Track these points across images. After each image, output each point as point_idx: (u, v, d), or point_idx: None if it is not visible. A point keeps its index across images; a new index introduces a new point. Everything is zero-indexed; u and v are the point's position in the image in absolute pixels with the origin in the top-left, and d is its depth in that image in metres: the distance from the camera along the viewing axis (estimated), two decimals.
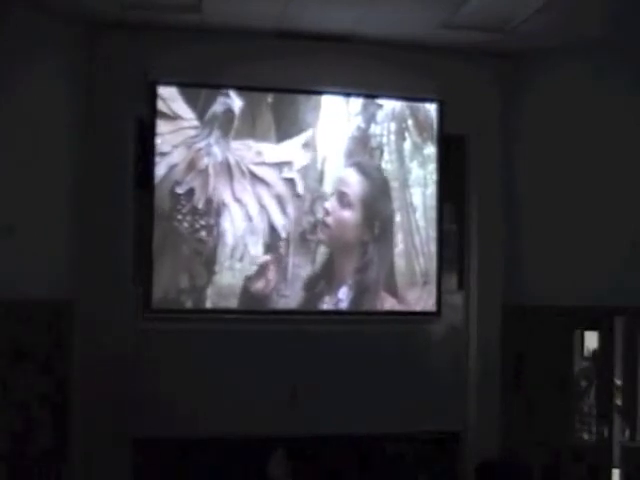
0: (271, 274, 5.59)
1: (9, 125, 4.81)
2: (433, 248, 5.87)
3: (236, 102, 5.58)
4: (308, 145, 5.68)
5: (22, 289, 4.78)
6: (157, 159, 5.44)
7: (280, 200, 5.64)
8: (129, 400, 5.30)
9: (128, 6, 4.98)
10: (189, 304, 5.49)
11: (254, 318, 5.59)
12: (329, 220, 5.71)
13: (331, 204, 5.72)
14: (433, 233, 5.88)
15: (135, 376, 5.34)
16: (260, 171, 5.61)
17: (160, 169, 5.45)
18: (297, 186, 5.66)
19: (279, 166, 5.65)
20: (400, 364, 5.79)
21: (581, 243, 5.51)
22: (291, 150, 5.66)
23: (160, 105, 5.45)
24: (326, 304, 5.70)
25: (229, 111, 5.57)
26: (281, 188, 5.65)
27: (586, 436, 5.60)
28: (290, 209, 5.65)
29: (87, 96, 5.36)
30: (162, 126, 5.46)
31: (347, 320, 5.76)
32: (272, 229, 5.61)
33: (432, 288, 5.86)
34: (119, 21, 5.26)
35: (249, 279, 5.54)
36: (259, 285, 5.57)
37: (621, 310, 5.36)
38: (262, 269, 5.57)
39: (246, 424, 5.46)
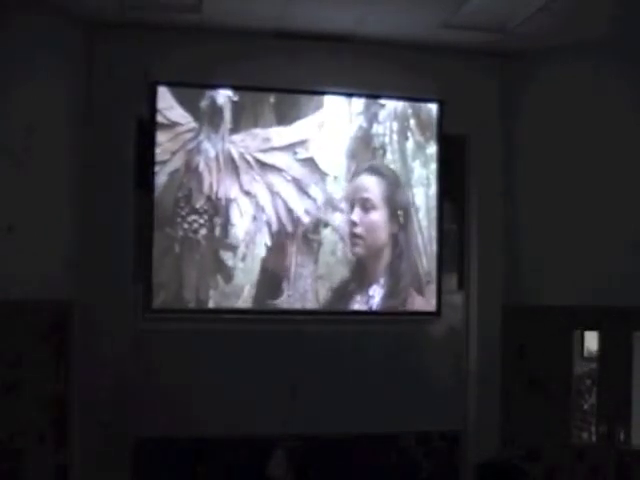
0: (289, 261, 5.60)
1: (9, 125, 4.81)
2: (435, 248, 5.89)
3: (233, 97, 5.55)
4: (323, 125, 5.67)
5: (22, 289, 4.78)
6: (157, 168, 5.44)
7: (298, 183, 5.62)
8: (129, 400, 5.31)
9: (128, 6, 4.99)
10: (192, 304, 5.49)
11: (254, 318, 5.59)
12: (358, 230, 5.71)
13: (356, 214, 5.72)
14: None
15: (135, 376, 5.34)
16: (269, 158, 5.60)
17: (161, 177, 5.44)
18: (319, 165, 5.65)
19: (291, 147, 5.62)
20: (400, 364, 5.79)
21: (581, 243, 5.51)
22: (304, 130, 5.63)
23: (158, 117, 5.43)
24: (358, 303, 5.73)
25: (226, 107, 5.54)
26: (297, 171, 5.62)
27: (586, 436, 5.60)
28: (313, 191, 5.64)
29: (87, 96, 5.36)
30: (160, 136, 5.44)
31: (347, 320, 5.76)
32: (290, 215, 5.60)
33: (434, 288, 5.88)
34: (119, 21, 5.26)
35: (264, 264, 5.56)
36: (278, 266, 5.58)
37: (621, 310, 5.35)
38: (278, 257, 5.58)
39: (246, 424, 5.46)
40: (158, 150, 5.44)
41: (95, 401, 5.22)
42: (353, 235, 5.70)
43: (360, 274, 5.73)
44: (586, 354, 5.77)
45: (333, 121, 5.72)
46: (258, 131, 5.58)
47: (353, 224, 5.70)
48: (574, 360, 5.68)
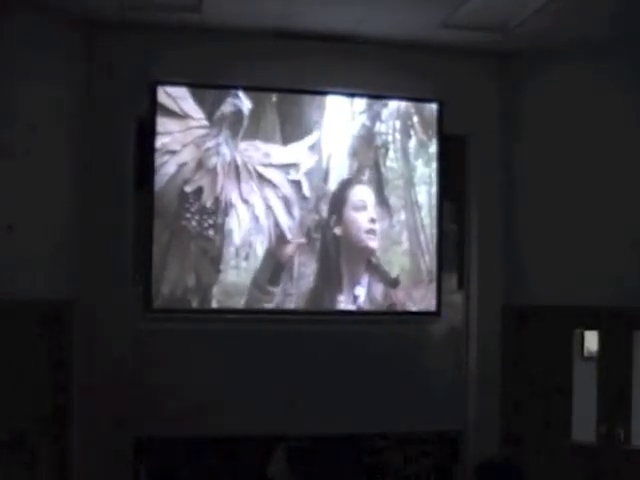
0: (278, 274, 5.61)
1: (9, 125, 4.81)
2: None
3: (245, 103, 5.58)
4: (314, 147, 5.69)
5: (22, 289, 4.78)
6: (166, 157, 5.44)
7: (286, 202, 5.64)
8: (129, 400, 5.31)
9: (128, 6, 4.99)
10: (194, 303, 5.48)
11: (254, 318, 5.59)
12: (338, 231, 5.72)
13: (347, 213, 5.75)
14: None
15: (135, 376, 5.33)
16: (267, 172, 5.62)
17: (169, 167, 5.45)
18: (303, 188, 5.67)
19: (286, 168, 5.65)
20: (400, 364, 5.79)
21: (581, 243, 5.51)
22: (297, 152, 5.66)
23: (170, 104, 5.44)
24: (343, 303, 5.72)
25: (238, 112, 5.56)
26: (287, 190, 5.65)
27: (586, 436, 5.59)
28: (296, 211, 5.65)
29: (87, 96, 5.35)
30: (172, 124, 5.44)
31: (347, 320, 5.76)
32: (278, 230, 5.61)
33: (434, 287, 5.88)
34: (119, 21, 5.26)
35: (257, 277, 5.56)
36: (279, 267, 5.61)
37: (621, 310, 5.35)
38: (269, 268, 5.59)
39: (246, 424, 5.46)
40: (168, 139, 5.44)
41: (95, 401, 5.22)
42: (332, 234, 5.71)
43: (362, 272, 5.75)
44: (586, 354, 5.77)
45: (336, 120, 5.72)
46: (260, 144, 5.60)
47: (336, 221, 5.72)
48: (574, 360, 5.68)
